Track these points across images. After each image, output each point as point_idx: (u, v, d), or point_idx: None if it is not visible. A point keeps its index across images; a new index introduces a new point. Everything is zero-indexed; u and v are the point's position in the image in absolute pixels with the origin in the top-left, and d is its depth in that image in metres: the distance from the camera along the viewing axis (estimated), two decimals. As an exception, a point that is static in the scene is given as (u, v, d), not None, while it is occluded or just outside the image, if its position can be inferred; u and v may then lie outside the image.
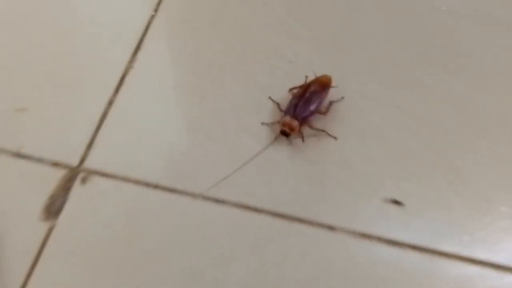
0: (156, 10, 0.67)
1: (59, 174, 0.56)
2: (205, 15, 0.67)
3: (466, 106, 0.59)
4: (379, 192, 0.55)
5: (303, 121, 0.57)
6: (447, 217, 0.53)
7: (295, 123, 0.56)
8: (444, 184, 0.55)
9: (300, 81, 0.60)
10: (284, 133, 0.57)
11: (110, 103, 0.60)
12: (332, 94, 0.59)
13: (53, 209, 0.54)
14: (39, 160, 0.57)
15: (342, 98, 0.60)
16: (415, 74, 0.61)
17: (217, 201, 0.54)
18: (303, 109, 0.57)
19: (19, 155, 0.58)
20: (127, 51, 0.64)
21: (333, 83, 0.59)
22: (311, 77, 0.60)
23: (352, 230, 0.53)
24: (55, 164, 0.57)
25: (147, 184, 0.55)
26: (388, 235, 0.53)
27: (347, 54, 0.63)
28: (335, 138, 0.58)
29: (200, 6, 0.68)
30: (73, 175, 0.56)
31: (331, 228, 0.53)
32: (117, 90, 0.61)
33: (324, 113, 0.58)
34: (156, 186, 0.55)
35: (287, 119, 0.57)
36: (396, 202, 0.55)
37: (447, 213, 0.54)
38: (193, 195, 0.55)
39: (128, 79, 0.62)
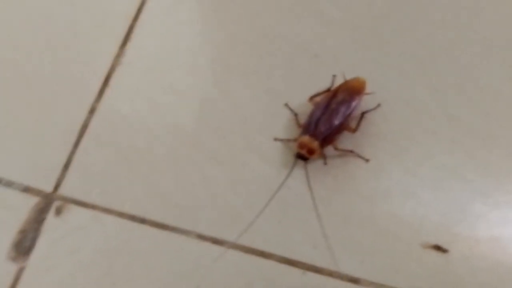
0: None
1: (30, 203, 0.50)
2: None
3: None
4: (420, 236, 0.47)
5: (326, 140, 0.48)
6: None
7: (315, 144, 0.48)
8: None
9: (326, 83, 0.51)
10: (301, 157, 0.48)
11: (91, 111, 0.53)
12: (366, 101, 0.50)
13: (24, 246, 0.49)
14: (6, 184, 0.51)
15: (379, 105, 0.50)
16: (482, 79, 0.51)
17: (216, 241, 0.48)
18: (326, 125, 0.48)
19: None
20: (113, 43, 0.55)
21: (368, 89, 0.49)
22: (340, 79, 0.51)
23: (380, 284, 0.46)
24: (26, 190, 0.51)
25: (133, 218, 0.49)
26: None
27: (389, 47, 0.53)
28: (366, 160, 0.49)
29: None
30: (46, 203, 0.50)
31: (355, 281, 0.46)
32: (100, 93, 0.53)
33: (353, 130, 0.49)
34: (143, 221, 0.49)
35: (306, 138, 0.48)
36: (439, 249, 0.47)
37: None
38: (187, 232, 0.48)
39: (114, 79, 0.54)
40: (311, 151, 0.48)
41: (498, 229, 0.46)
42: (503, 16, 0.53)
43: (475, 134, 0.50)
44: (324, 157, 0.49)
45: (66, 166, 0.51)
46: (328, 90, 0.51)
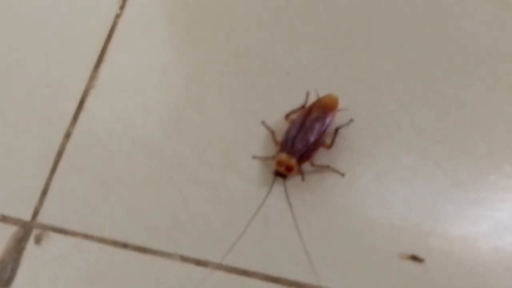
0: (122, 7, 0.58)
1: (8, 232, 0.49)
2: (181, 14, 0.58)
3: None
4: (397, 247, 0.48)
5: (303, 157, 0.49)
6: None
7: (293, 162, 0.49)
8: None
9: (300, 100, 0.52)
10: (280, 174, 0.49)
11: (67, 136, 0.53)
12: (339, 117, 0.51)
13: (3, 277, 0.48)
14: (-17, 215, 0.51)
15: (351, 121, 0.52)
16: (447, 91, 0.53)
17: (199, 262, 0.48)
18: (303, 142, 0.49)
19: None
20: (87, 65, 0.55)
21: (340, 105, 0.51)
22: (313, 95, 0.52)
23: (364, 297, 0.48)
24: (3, 219, 0.50)
25: (114, 243, 0.49)
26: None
27: (360, 63, 0.54)
28: (342, 174, 0.50)
29: (176, 3, 0.59)
30: (25, 232, 0.49)
31: (337, 294, 0.48)
32: (75, 117, 0.53)
33: (329, 146, 0.50)
34: (125, 245, 0.49)
35: (284, 156, 0.49)
36: (416, 258, 0.49)
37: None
38: (170, 255, 0.48)
39: (88, 102, 0.54)
40: (289, 169, 0.49)
41: (470, 230, 0.48)
42: (468, 30, 0.55)
43: (443, 143, 0.51)
44: (301, 173, 0.50)
45: (44, 193, 0.51)
46: (303, 107, 0.52)
